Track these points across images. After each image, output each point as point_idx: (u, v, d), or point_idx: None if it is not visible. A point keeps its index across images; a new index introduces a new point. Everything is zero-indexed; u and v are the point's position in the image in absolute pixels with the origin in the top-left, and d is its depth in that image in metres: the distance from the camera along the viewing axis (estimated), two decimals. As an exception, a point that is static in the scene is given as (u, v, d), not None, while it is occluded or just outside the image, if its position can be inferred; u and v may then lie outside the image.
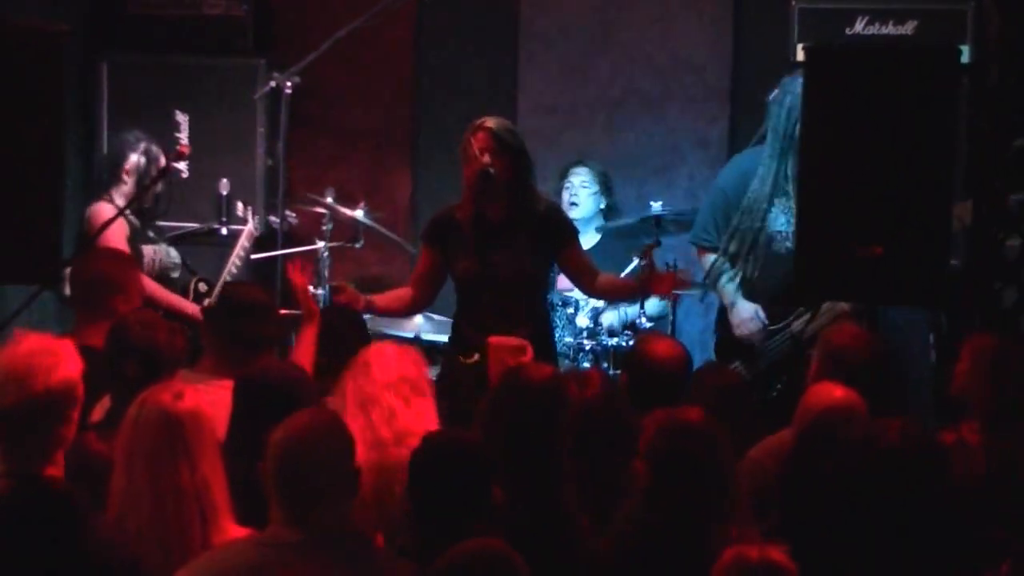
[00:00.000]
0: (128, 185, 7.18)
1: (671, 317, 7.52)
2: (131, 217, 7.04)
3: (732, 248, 6.86)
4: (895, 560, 4.00)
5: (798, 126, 6.25)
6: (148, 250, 7.22)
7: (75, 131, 7.94)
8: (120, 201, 7.07)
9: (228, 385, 4.90)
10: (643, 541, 4.07)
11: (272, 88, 7.81)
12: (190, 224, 7.79)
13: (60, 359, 4.24)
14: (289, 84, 7.73)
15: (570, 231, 6.50)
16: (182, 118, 7.79)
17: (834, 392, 4.78)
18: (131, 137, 7.29)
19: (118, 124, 7.94)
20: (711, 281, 7.01)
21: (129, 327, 5.11)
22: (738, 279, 6.88)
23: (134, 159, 7.22)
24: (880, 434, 4.22)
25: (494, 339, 5.76)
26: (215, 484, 4.04)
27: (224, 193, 7.96)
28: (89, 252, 6.24)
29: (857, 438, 4.38)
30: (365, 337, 5.83)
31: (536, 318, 6.29)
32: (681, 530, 4.04)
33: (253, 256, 7.61)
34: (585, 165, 8.13)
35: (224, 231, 7.81)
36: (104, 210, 7.03)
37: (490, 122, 6.32)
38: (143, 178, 7.15)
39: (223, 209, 7.96)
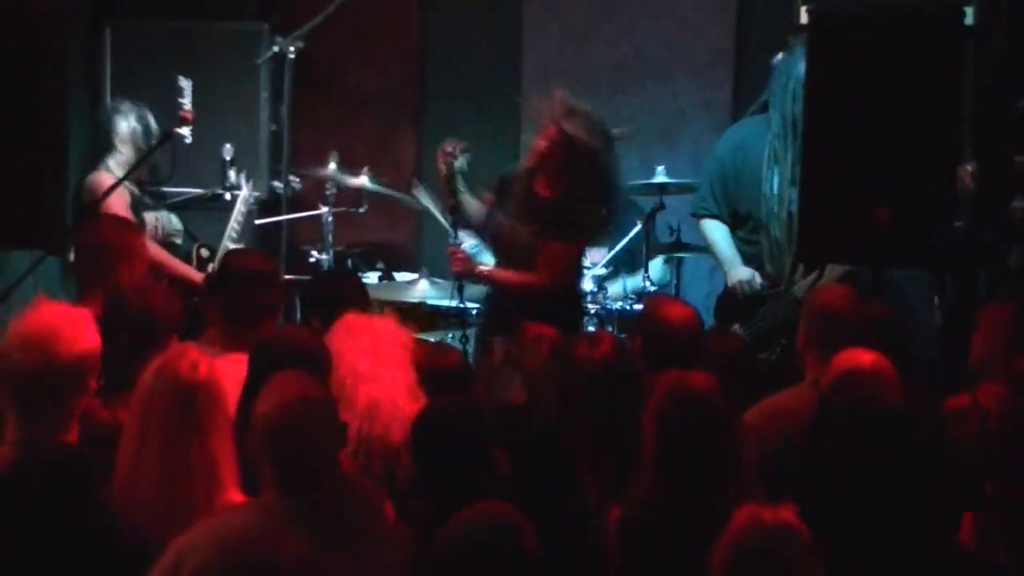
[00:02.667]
0: (124, 154, 7.19)
1: (675, 281, 7.52)
2: (130, 185, 7.04)
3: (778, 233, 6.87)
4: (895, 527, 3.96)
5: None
6: (150, 217, 7.21)
7: (79, 96, 7.91)
8: (118, 171, 7.06)
9: (236, 359, 4.88)
10: (652, 513, 4.05)
11: (276, 53, 7.80)
12: (194, 190, 7.77)
13: (82, 329, 4.24)
14: (292, 49, 7.71)
15: (565, 226, 6.46)
16: (185, 83, 7.74)
17: (861, 357, 4.73)
18: (121, 105, 7.30)
19: (121, 89, 7.93)
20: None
21: (125, 295, 5.10)
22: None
23: (124, 127, 7.22)
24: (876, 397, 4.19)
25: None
26: (224, 458, 4.04)
27: (228, 158, 7.95)
28: (92, 219, 6.22)
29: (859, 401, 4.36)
30: (366, 302, 5.79)
31: (551, 294, 6.32)
32: (691, 501, 4.01)
33: (258, 221, 7.59)
34: None
35: (227, 196, 7.81)
36: (103, 179, 7.03)
37: (567, 125, 6.41)
38: (142, 145, 7.16)
39: (226, 174, 7.95)
